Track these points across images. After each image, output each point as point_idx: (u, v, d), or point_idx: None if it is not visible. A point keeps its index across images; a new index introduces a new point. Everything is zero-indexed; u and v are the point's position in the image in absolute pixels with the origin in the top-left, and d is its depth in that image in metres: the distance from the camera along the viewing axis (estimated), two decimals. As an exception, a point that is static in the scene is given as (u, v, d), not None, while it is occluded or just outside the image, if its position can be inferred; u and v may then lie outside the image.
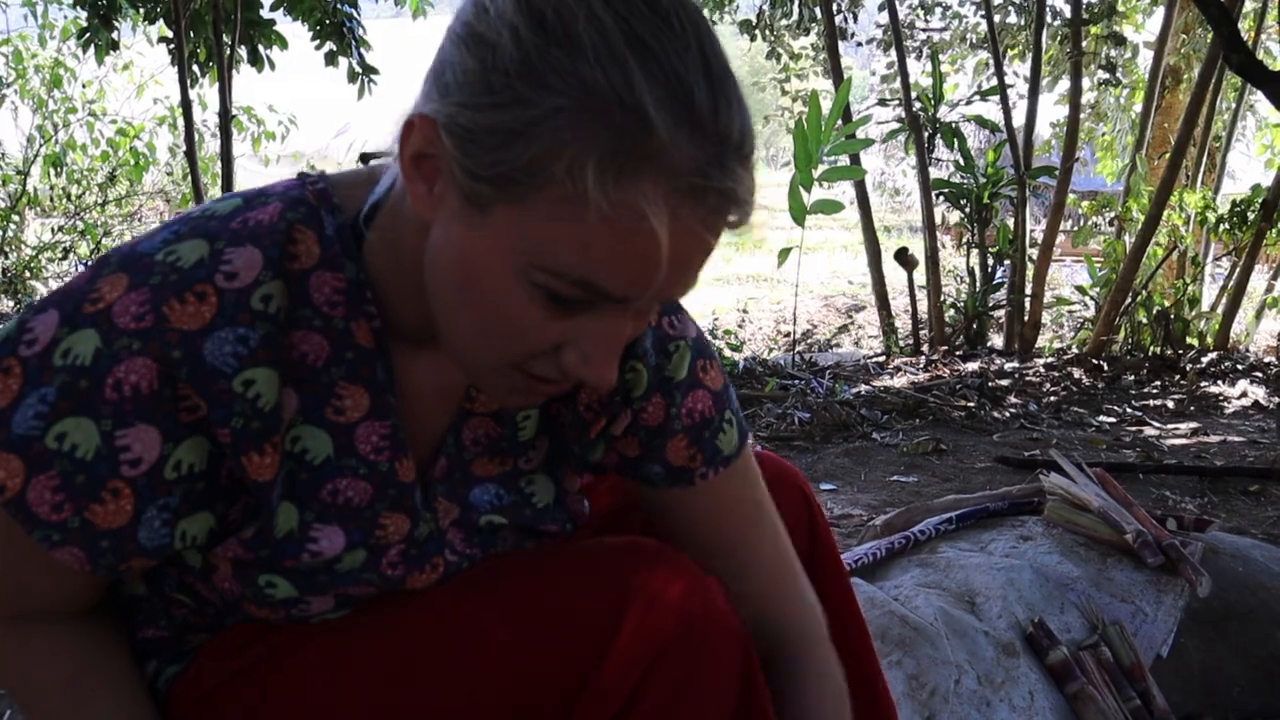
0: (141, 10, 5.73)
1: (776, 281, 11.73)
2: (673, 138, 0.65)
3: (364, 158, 0.87)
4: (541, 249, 0.67)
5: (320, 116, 11.10)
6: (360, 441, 0.83)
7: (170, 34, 5.53)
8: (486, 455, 0.91)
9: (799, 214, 5.15)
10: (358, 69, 5.82)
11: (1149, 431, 4.49)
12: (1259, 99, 7.55)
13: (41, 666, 0.86)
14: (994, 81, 6.29)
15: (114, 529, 0.75)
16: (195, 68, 5.87)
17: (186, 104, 5.66)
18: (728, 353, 5.73)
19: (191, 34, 5.55)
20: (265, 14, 5.74)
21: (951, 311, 6.41)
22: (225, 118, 5.57)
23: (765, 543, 1.00)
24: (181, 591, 0.90)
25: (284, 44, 5.79)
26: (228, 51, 5.46)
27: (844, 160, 5.70)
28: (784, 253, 5.38)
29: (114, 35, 5.63)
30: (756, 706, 0.88)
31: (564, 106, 0.65)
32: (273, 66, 5.84)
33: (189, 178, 6.36)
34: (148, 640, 0.93)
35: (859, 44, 8.12)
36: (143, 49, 7.03)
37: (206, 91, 6.57)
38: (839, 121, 5.42)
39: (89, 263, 0.86)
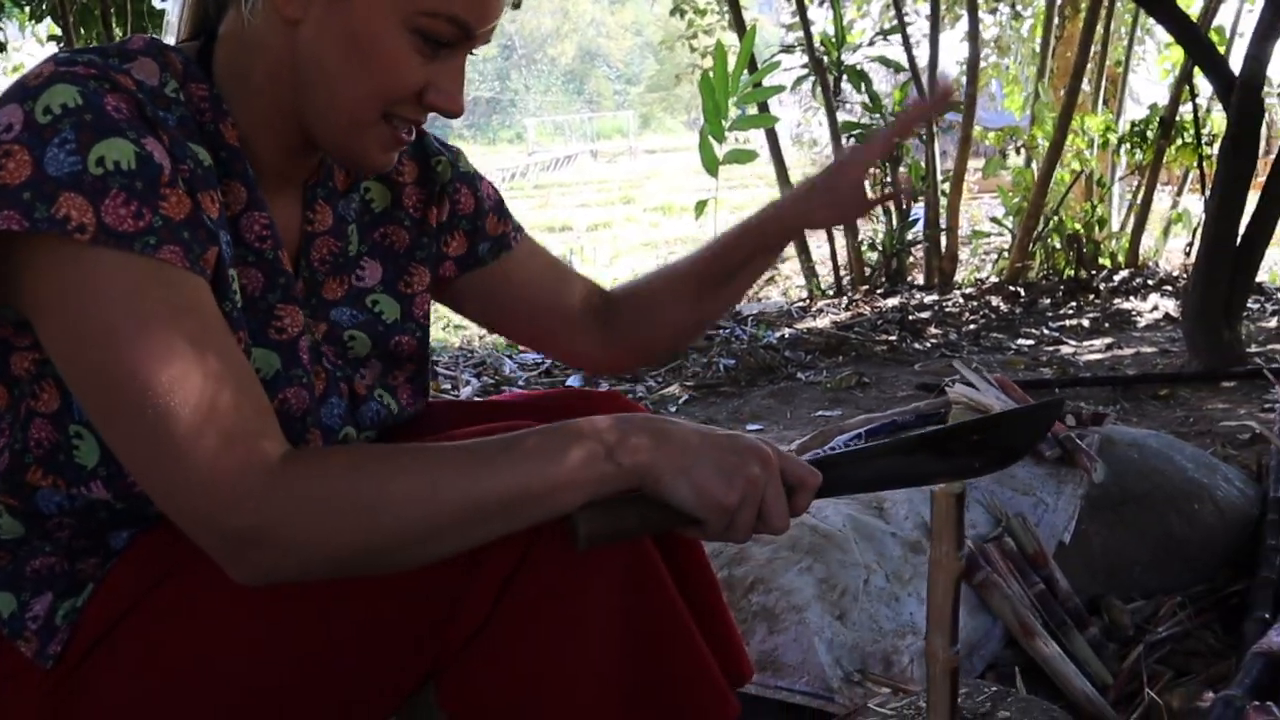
0: (27, 9, 5.57)
1: (701, 242, 11.76)
2: None
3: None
4: None
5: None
6: (245, 230, 0.90)
7: (59, 31, 5.39)
8: (332, 276, 1.01)
9: (711, 165, 5.18)
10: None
11: (1065, 350, 4.60)
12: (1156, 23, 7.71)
13: (357, 459, 0.82)
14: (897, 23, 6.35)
15: (185, 218, 0.80)
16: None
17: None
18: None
19: (82, 29, 5.41)
20: (157, 3, 5.61)
21: (874, 253, 6.50)
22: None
23: (567, 266, 1.26)
24: (67, 514, 0.90)
25: (178, 34, 5.67)
26: (120, 45, 5.33)
27: (753, 110, 5.74)
28: (700, 205, 5.41)
29: (0, 38, 5.48)
30: (647, 560, 0.93)
31: None
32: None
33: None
34: (38, 573, 0.91)
35: (762, -5, 8.12)
36: (33, 50, 6.83)
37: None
38: (745, 71, 5.45)
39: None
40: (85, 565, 0.93)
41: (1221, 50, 4.45)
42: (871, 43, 6.41)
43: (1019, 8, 8.20)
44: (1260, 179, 3.83)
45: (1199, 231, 4.33)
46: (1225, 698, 1.34)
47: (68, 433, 0.87)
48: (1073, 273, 6.19)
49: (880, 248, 6.41)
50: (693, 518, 0.85)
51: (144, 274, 0.77)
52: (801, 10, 6.16)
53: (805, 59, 6.28)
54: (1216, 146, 3.86)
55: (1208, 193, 4.02)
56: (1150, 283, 6.09)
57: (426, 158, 1.10)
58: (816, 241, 6.60)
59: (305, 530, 0.77)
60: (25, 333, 0.84)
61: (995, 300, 5.73)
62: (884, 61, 6.36)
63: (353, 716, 0.96)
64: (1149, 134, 6.29)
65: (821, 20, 6.90)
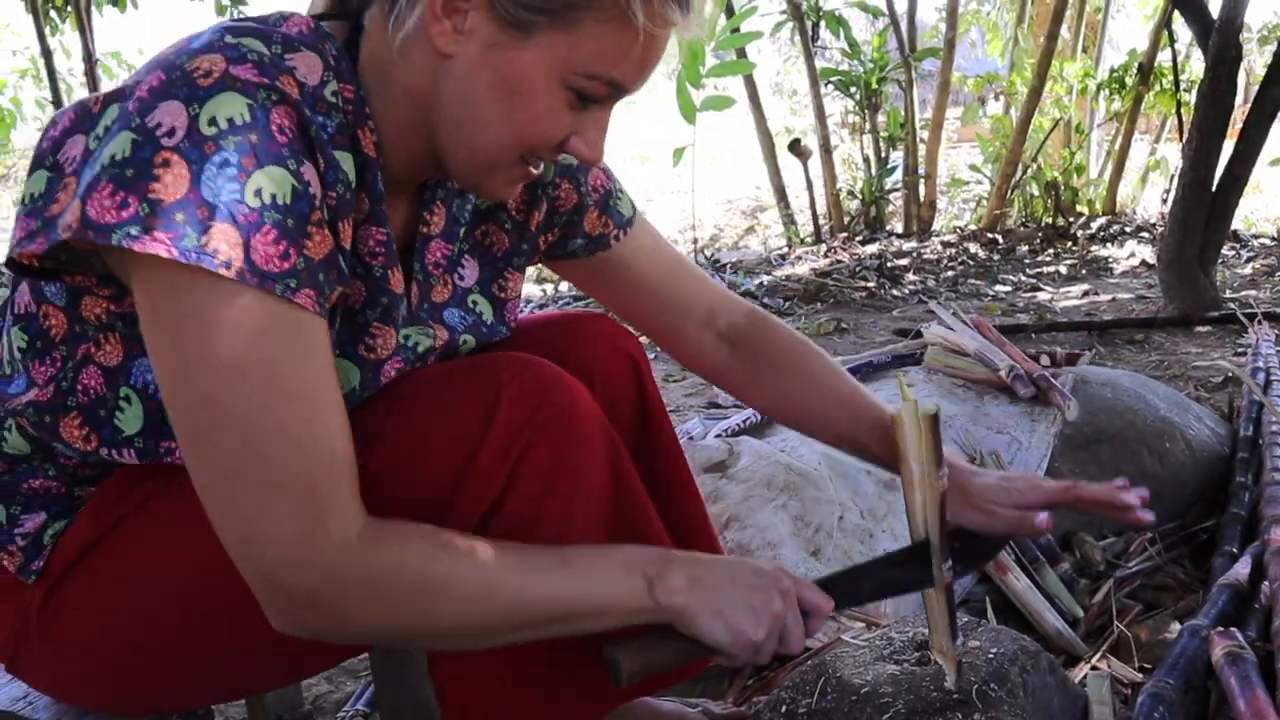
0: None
1: (683, 193, 11.71)
2: None
3: (315, 19, 0.89)
4: (589, 59, 0.83)
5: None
6: (360, 241, 0.88)
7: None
8: (440, 279, 1.00)
9: (689, 112, 5.13)
10: (225, 1, 5.62)
11: (1042, 296, 4.62)
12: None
13: (429, 546, 0.81)
14: (875, -33, 6.29)
15: (325, 257, 0.78)
16: (54, 14, 5.61)
17: (47, 53, 5.42)
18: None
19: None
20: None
21: (853, 201, 6.49)
22: (90, 64, 5.35)
23: (693, 270, 1.21)
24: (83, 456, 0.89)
25: (145, -20, 5.56)
26: (85, -9, 5.22)
27: (731, 56, 5.68)
28: (678, 152, 5.36)
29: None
30: (626, 486, 0.98)
31: None
32: (135, 5, 5.60)
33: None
34: (35, 491, 0.92)
35: (740, -60, 8.01)
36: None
37: (68, 38, 6.28)
38: (723, 17, 5.39)
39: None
40: (84, 492, 0.93)
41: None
42: (850, -12, 6.35)
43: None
44: (1237, 128, 3.82)
45: (1175, 179, 4.33)
46: (1191, 627, 1.35)
47: (118, 392, 0.86)
48: (1050, 220, 6.20)
49: (859, 195, 6.40)
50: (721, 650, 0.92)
51: (277, 315, 0.75)
52: (780, -46, 6.09)
53: (784, 4, 6.22)
54: (1194, 93, 3.84)
55: (1184, 140, 4.01)
56: (1127, 230, 6.11)
57: None
58: (795, 191, 6.58)
59: (365, 608, 0.79)
60: (108, 285, 0.82)
61: (973, 247, 5.74)
62: (863, 7, 6.31)
63: None
64: (1128, 80, 6.28)
65: (800, -35, 6.81)
